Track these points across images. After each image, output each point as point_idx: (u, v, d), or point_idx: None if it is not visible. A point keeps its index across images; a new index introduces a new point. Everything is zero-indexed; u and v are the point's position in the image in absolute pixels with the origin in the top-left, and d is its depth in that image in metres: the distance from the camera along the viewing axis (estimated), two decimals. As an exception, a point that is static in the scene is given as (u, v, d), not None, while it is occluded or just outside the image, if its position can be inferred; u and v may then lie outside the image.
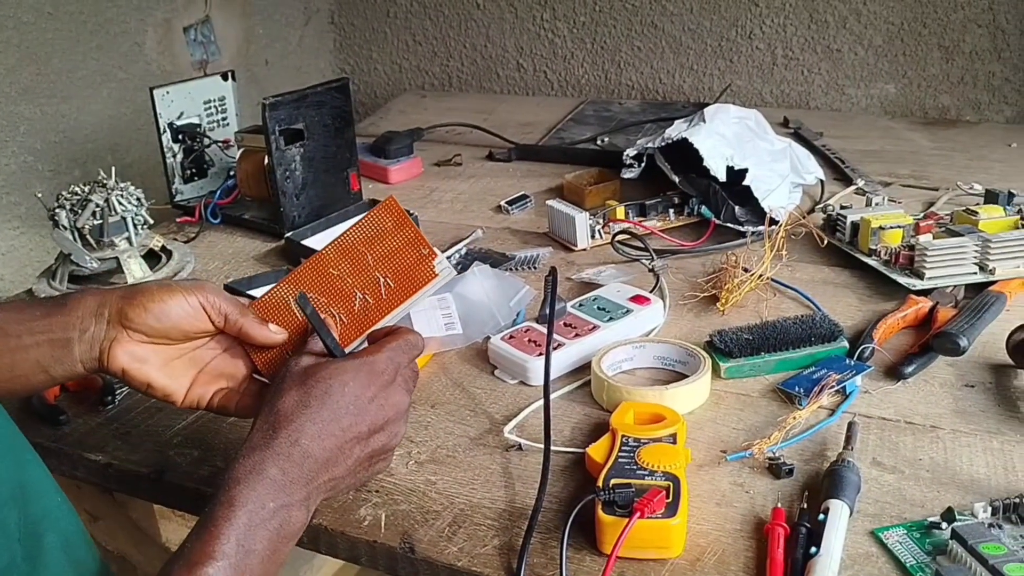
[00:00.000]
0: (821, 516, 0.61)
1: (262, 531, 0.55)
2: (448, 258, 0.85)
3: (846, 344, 0.83)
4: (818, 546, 0.59)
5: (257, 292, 0.96)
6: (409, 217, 0.71)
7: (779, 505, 0.64)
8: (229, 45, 1.76)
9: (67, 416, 0.80)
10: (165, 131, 1.23)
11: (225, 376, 0.69)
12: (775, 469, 0.68)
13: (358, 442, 0.61)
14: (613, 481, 0.63)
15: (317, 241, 1.11)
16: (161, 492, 0.75)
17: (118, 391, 0.83)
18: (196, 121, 1.26)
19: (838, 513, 0.61)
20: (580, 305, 0.90)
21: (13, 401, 0.75)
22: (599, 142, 1.45)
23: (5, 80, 1.35)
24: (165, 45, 1.61)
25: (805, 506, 0.63)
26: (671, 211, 1.13)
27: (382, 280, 0.69)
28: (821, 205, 1.15)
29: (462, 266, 1.00)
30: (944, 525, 0.61)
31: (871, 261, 0.97)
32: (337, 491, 0.62)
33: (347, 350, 0.68)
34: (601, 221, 1.10)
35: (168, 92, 1.23)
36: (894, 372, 0.80)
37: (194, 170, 1.28)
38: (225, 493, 0.55)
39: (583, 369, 0.83)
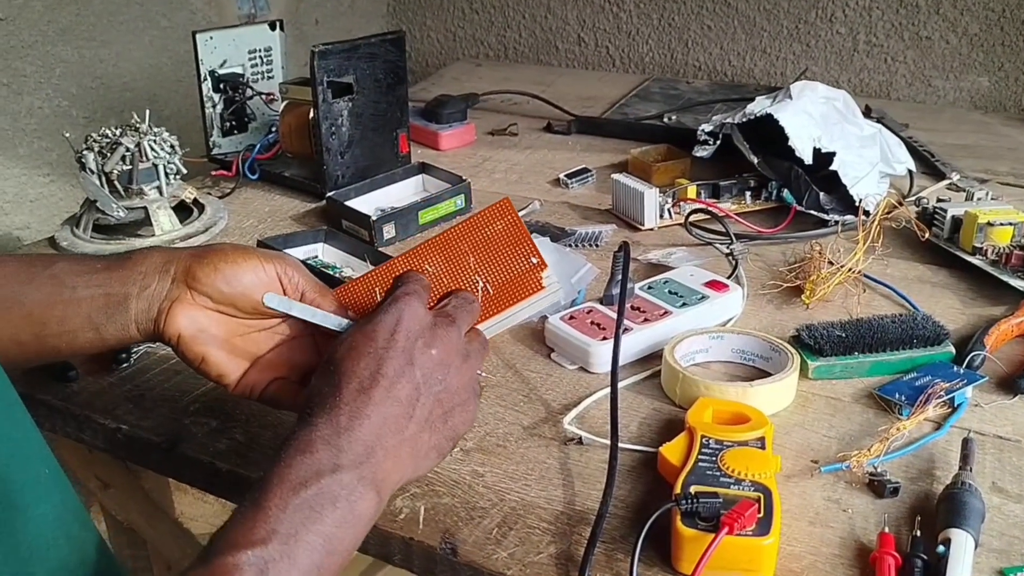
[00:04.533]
0: (940, 548, 0.52)
1: (303, 513, 0.46)
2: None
3: (952, 349, 0.73)
4: (940, 584, 0.49)
5: (293, 252, 0.88)
6: (523, 221, 0.63)
7: (886, 529, 0.54)
8: (279, 0, 1.68)
9: (77, 372, 0.72)
10: (206, 79, 1.16)
11: (287, 367, 0.60)
12: (877, 486, 0.59)
13: (405, 389, 0.51)
14: (695, 488, 0.54)
15: (360, 203, 1.02)
16: (173, 464, 0.67)
17: (135, 348, 0.75)
18: (239, 71, 1.18)
19: (962, 546, 0.51)
20: (649, 288, 0.80)
21: (56, 361, 0.67)
22: (666, 119, 1.35)
23: (43, 18, 1.28)
24: (212, -6, 1.54)
25: (918, 533, 0.54)
26: (747, 194, 1.03)
27: (481, 285, 0.61)
28: (912, 198, 1.05)
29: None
30: (1091, 569, 0.51)
31: (976, 260, 0.87)
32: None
33: None
34: (670, 200, 1.00)
35: (212, 37, 1.15)
36: (1010, 384, 0.70)
37: (234, 122, 1.19)
38: (260, 480, 0.47)
39: (650, 359, 0.74)
